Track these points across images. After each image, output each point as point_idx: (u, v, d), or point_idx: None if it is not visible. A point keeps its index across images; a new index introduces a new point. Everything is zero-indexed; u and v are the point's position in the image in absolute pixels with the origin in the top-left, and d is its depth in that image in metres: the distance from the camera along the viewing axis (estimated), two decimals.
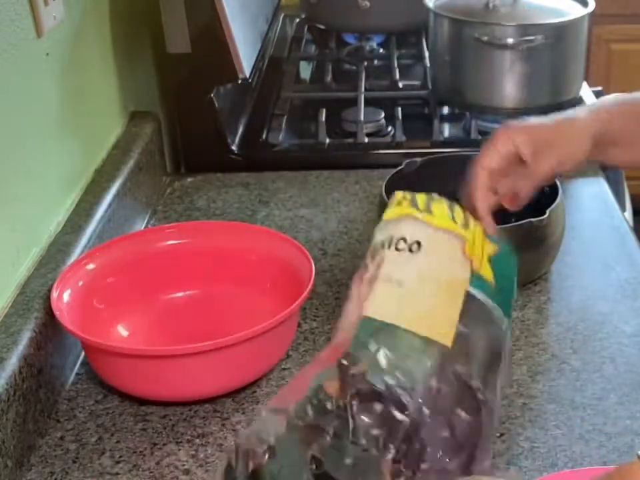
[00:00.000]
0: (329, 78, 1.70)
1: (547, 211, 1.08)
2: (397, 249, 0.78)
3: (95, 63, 1.25)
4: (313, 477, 0.69)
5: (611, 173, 1.41)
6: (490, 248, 0.81)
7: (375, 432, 0.70)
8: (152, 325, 1.04)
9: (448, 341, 0.73)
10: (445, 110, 1.59)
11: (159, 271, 1.06)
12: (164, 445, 0.90)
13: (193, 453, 0.89)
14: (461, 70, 1.47)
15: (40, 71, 1.06)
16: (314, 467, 0.69)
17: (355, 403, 0.71)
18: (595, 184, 1.36)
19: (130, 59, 1.38)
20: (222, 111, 1.42)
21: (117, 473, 0.87)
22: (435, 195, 0.82)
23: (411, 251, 0.78)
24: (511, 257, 0.83)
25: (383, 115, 1.53)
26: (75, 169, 1.16)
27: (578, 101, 1.50)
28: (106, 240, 1.10)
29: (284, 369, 0.99)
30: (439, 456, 0.71)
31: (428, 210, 0.81)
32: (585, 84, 1.52)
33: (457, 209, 0.82)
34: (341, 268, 1.17)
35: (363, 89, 1.59)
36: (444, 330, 0.74)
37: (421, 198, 0.82)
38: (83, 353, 1.01)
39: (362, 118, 1.49)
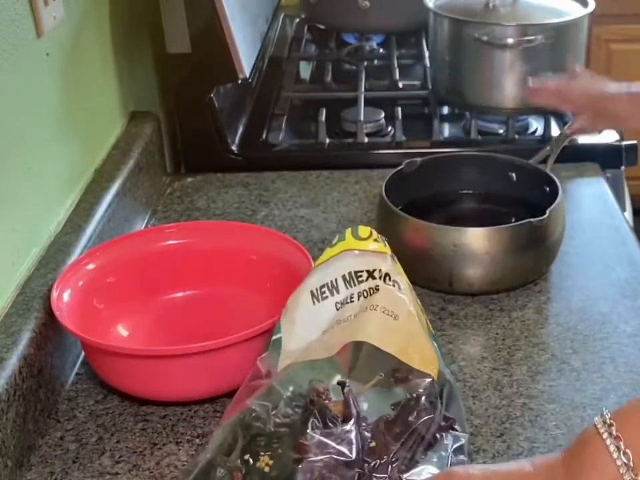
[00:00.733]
0: (329, 78, 1.70)
1: (547, 211, 1.08)
2: (386, 283, 0.84)
3: (95, 63, 1.25)
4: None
5: (610, 172, 1.41)
6: None
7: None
8: (152, 325, 1.04)
9: (435, 372, 0.81)
10: (445, 110, 1.59)
11: (158, 270, 1.06)
12: (164, 444, 0.90)
13: (193, 453, 0.89)
14: (461, 70, 1.47)
15: (40, 70, 1.06)
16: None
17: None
18: (595, 184, 1.36)
19: (130, 59, 1.38)
20: (222, 111, 1.42)
21: (117, 473, 0.87)
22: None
23: (398, 287, 0.84)
24: None
25: (382, 114, 1.53)
26: (74, 169, 1.16)
27: None
28: (106, 240, 1.10)
29: None
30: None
31: (393, 257, 0.87)
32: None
33: None
34: None
35: (362, 89, 1.59)
36: (433, 366, 0.81)
37: (387, 241, 0.88)
38: (82, 353, 1.01)
39: (362, 118, 1.49)
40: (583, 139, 1.43)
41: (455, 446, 0.77)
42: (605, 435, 0.68)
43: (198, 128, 1.43)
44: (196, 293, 1.08)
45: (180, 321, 1.05)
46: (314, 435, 0.73)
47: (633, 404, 0.71)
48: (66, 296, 0.96)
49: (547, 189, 1.16)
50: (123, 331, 1.02)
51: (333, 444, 0.73)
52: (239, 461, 0.75)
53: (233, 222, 1.25)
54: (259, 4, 1.62)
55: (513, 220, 1.15)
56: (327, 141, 1.47)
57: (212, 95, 1.39)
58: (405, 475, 0.73)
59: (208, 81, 1.39)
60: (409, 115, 1.54)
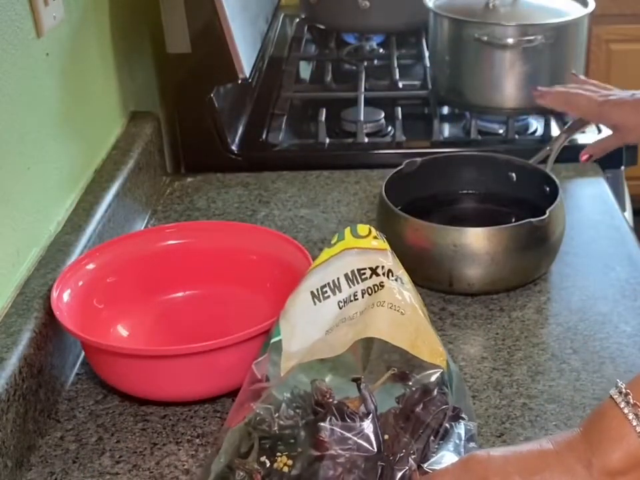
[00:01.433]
0: (328, 78, 1.70)
1: (547, 211, 1.08)
2: (389, 278, 0.84)
3: (95, 63, 1.25)
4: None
5: (610, 172, 1.41)
6: None
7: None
8: (152, 325, 1.04)
9: (443, 363, 0.81)
10: (445, 110, 1.59)
11: (158, 270, 1.06)
12: (164, 445, 0.90)
13: (193, 452, 0.89)
14: (461, 70, 1.47)
15: (40, 70, 1.06)
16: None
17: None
18: (595, 184, 1.36)
19: (130, 59, 1.38)
20: (222, 111, 1.42)
21: (117, 473, 0.87)
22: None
23: (401, 283, 0.84)
24: None
25: (382, 115, 1.53)
26: (74, 169, 1.16)
27: None
28: (106, 240, 1.10)
29: None
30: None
31: (392, 253, 0.87)
32: None
33: None
34: None
35: (362, 89, 1.59)
36: (442, 357, 0.81)
37: (384, 237, 0.88)
38: (82, 353, 1.01)
39: (362, 118, 1.49)
40: (583, 139, 1.43)
41: (467, 435, 0.77)
42: (623, 405, 0.69)
43: (198, 128, 1.43)
44: (196, 293, 1.08)
45: (180, 321, 1.05)
46: (334, 431, 0.73)
47: None
48: (66, 296, 0.96)
49: (547, 189, 1.16)
50: (122, 330, 1.02)
51: (354, 439, 0.73)
52: (256, 463, 0.75)
53: (233, 222, 1.25)
54: (259, 4, 1.62)
55: (513, 220, 1.15)
56: (327, 140, 1.47)
57: (212, 95, 1.39)
58: (425, 465, 0.74)
59: (208, 81, 1.39)
60: (409, 115, 1.54)
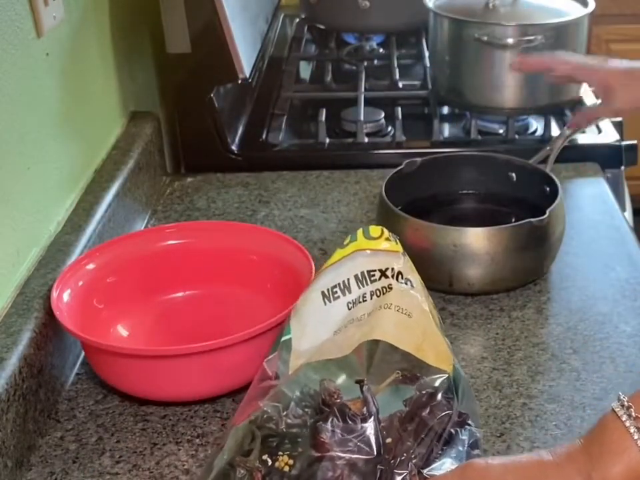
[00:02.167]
0: (328, 78, 1.70)
1: (547, 211, 1.08)
2: (398, 281, 0.84)
3: (95, 63, 1.25)
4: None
5: (610, 172, 1.41)
6: None
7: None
8: (152, 325, 1.04)
9: (449, 367, 0.81)
10: (445, 110, 1.59)
11: (158, 271, 1.06)
12: (164, 444, 0.90)
13: (193, 452, 0.89)
14: (461, 70, 1.47)
15: (40, 70, 1.06)
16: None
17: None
18: (595, 184, 1.36)
19: (130, 58, 1.38)
20: (222, 111, 1.42)
21: (117, 473, 0.87)
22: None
23: (410, 286, 0.85)
24: None
25: (382, 115, 1.53)
26: (74, 169, 1.16)
27: (578, 101, 1.50)
28: (106, 240, 1.10)
29: None
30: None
31: (405, 253, 0.87)
32: (585, 84, 1.52)
33: None
34: None
35: (362, 89, 1.59)
36: (449, 362, 0.81)
37: (398, 239, 0.89)
38: (82, 353, 1.01)
39: (362, 118, 1.49)
40: (583, 139, 1.43)
41: (471, 441, 0.77)
42: (625, 418, 0.68)
43: (198, 128, 1.43)
44: (196, 293, 1.08)
45: (180, 321, 1.05)
46: (334, 432, 0.73)
47: None
48: (66, 296, 0.96)
49: (547, 189, 1.16)
50: (122, 330, 1.02)
51: (354, 441, 0.73)
52: (257, 461, 0.75)
53: (233, 222, 1.25)
54: (259, 4, 1.62)
55: (513, 220, 1.15)
56: (327, 140, 1.47)
57: (212, 95, 1.39)
58: (425, 470, 0.74)
59: (208, 81, 1.39)
60: (409, 115, 1.54)
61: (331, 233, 1.25)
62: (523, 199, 1.20)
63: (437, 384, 0.79)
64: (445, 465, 0.74)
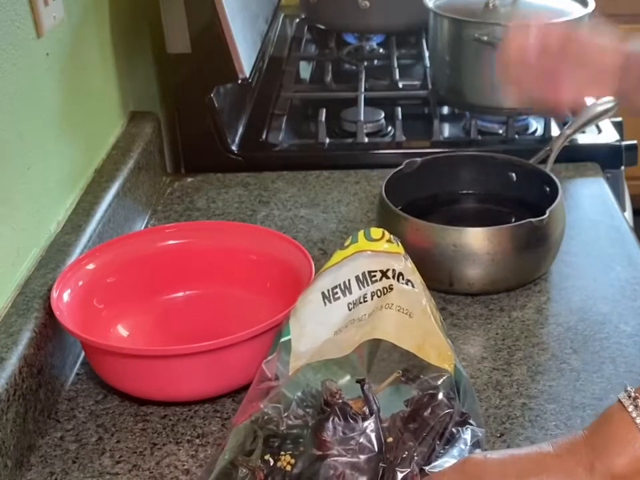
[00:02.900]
0: (328, 78, 1.70)
1: (547, 211, 1.08)
2: (399, 281, 0.84)
3: (95, 63, 1.25)
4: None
5: (610, 172, 1.41)
6: None
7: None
8: (152, 325, 1.04)
9: (451, 367, 0.81)
10: (445, 110, 1.59)
11: (158, 271, 1.06)
12: (164, 444, 0.90)
13: (193, 453, 0.89)
14: (461, 70, 1.47)
15: (40, 70, 1.06)
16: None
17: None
18: (595, 184, 1.36)
19: (130, 58, 1.38)
20: (222, 111, 1.42)
21: (117, 473, 0.87)
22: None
23: (411, 286, 0.84)
24: None
25: (382, 115, 1.53)
26: (74, 169, 1.16)
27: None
28: (106, 240, 1.10)
29: None
30: None
31: (407, 257, 0.87)
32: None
33: None
34: None
35: (362, 89, 1.59)
36: (450, 361, 0.81)
37: (400, 241, 0.89)
38: (82, 353, 1.01)
39: (362, 118, 1.49)
40: (583, 139, 1.43)
41: (473, 441, 0.77)
42: (631, 409, 0.68)
43: (198, 128, 1.43)
44: (196, 293, 1.08)
45: (180, 321, 1.05)
46: (336, 431, 0.73)
47: None
48: (66, 296, 0.96)
49: (547, 189, 1.16)
50: (123, 331, 1.02)
51: (356, 439, 0.74)
52: (259, 461, 0.75)
53: (232, 222, 1.25)
54: (259, 4, 1.62)
55: (513, 220, 1.15)
56: (327, 140, 1.47)
57: (212, 95, 1.39)
58: (427, 468, 0.74)
59: (208, 81, 1.39)
60: (409, 115, 1.54)
61: (331, 233, 1.25)
62: (522, 198, 1.20)
63: (438, 383, 0.79)
64: (447, 463, 0.74)
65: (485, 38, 1.40)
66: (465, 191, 1.25)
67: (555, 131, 1.47)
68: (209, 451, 0.88)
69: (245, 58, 1.37)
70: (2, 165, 0.95)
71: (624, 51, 0.93)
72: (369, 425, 0.74)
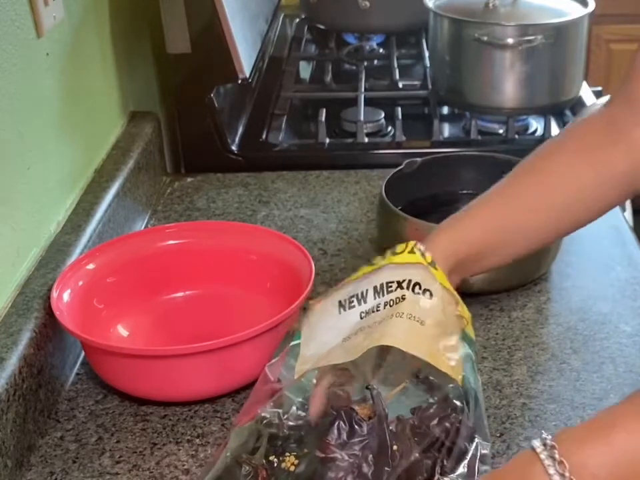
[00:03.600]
0: (328, 78, 1.70)
1: None
2: (414, 292, 0.83)
3: (95, 63, 1.25)
4: None
5: None
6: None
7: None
8: (152, 325, 1.04)
9: (459, 379, 0.79)
10: (445, 110, 1.59)
11: (159, 271, 1.06)
12: (164, 445, 0.90)
13: (193, 452, 0.89)
14: (461, 70, 1.47)
15: (40, 70, 1.06)
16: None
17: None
18: None
19: (130, 58, 1.38)
20: (222, 111, 1.42)
21: (117, 473, 0.87)
22: None
23: (424, 296, 0.84)
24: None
25: (382, 115, 1.53)
26: (74, 168, 1.16)
27: (578, 101, 1.50)
28: (106, 240, 1.10)
29: None
30: None
31: (434, 266, 0.86)
32: (584, 84, 1.52)
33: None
34: (341, 268, 1.17)
35: (362, 89, 1.59)
36: (458, 373, 0.80)
37: (427, 257, 0.87)
38: (82, 353, 1.01)
39: (362, 118, 1.49)
40: None
41: (479, 455, 0.76)
42: (547, 462, 0.63)
43: (198, 128, 1.43)
44: (196, 293, 1.08)
45: (180, 321, 1.05)
46: (340, 435, 0.74)
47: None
48: (66, 296, 0.96)
49: None
50: (123, 331, 1.02)
51: (360, 444, 0.73)
52: (263, 460, 0.75)
53: (232, 222, 1.25)
54: (259, 4, 1.62)
55: None
56: (327, 140, 1.47)
57: (212, 95, 1.39)
58: None
59: (208, 81, 1.39)
60: (409, 115, 1.54)
61: (331, 233, 1.25)
62: None
63: (444, 392, 0.79)
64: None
65: (485, 38, 1.40)
66: (464, 191, 1.25)
67: (555, 130, 1.47)
68: (209, 450, 0.88)
69: (245, 58, 1.37)
70: (2, 164, 0.95)
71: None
72: (374, 431, 0.74)
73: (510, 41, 1.39)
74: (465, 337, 0.83)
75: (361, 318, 0.84)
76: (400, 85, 1.66)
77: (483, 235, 0.87)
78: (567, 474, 0.61)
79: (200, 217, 1.30)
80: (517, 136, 1.47)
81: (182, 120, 1.45)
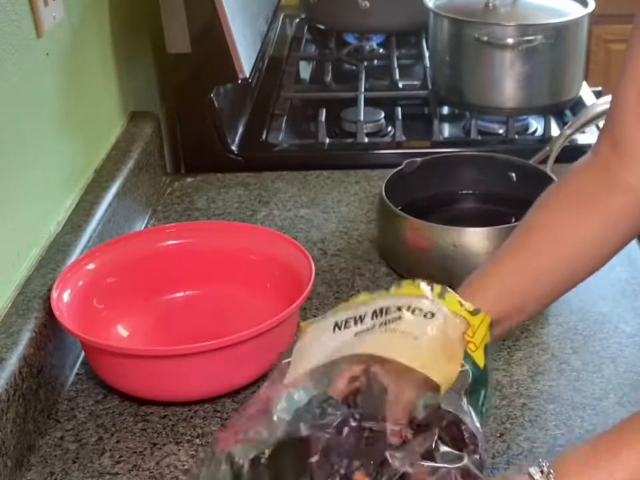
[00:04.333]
0: (328, 78, 1.70)
1: None
2: (412, 313, 0.82)
3: (95, 63, 1.25)
4: None
5: None
6: (488, 339, 0.85)
7: None
8: (152, 325, 1.04)
9: (444, 390, 0.76)
10: (445, 110, 1.59)
11: (159, 270, 1.06)
12: (164, 445, 0.90)
13: (193, 453, 0.89)
14: (461, 70, 1.47)
15: (40, 70, 1.06)
16: None
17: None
18: None
19: (130, 59, 1.38)
20: (222, 111, 1.42)
21: (117, 473, 0.87)
22: (449, 288, 0.85)
23: (425, 317, 0.82)
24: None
25: (382, 115, 1.53)
26: (75, 169, 1.16)
27: (578, 101, 1.50)
28: (106, 240, 1.10)
29: None
30: None
31: (442, 297, 0.84)
32: (584, 84, 1.52)
33: (468, 304, 0.85)
34: (341, 268, 1.17)
35: (362, 89, 1.59)
36: (446, 382, 0.77)
37: (436, 287, 0.85)
38: (82, 353, 1.01)
39: (362, 118, 1.49)
40: (583, 139, 1.43)
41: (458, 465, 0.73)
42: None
43: (198, 128, 1.43)
44: (196, 293, 1.08)
45: (180, 321, 1.05)
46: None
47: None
48: (66, 296, 0.96)
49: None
50: (122, 331, 1.02)
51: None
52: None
53: (233, 222, 1.25)
54: (259, 4, 1.62)
55: (513, 220, 1.15)
56: (327, 140, 1.47)
57: (212, 95, 1.39)
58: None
59: (208, 81, 1.39)
60: (409, 115, 1.54)
61: (331, 233, 1.25)
62: (523, 198, 1.19)
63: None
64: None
65: (485, 38, 1.40)
66: (464, 191, 1.25)
67: (555, 131, 1.47)
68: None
69: (245, 58, 1.37)
70: (2, 164, 0.95)
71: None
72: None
73: (510, 41, 1.39)
74: (469, 362, 0.81)
75: (354, 336, 0.83)
76: (400, 85, 1.66)
77: (499, 303, 0.85)
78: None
79: (200, 217, 1.30)
80: (516, 136, 1.47)
81: (182, 120, 1.45)
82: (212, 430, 0.91)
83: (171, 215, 1.32)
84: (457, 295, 0.85)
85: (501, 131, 1.50)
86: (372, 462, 0.73)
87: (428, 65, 1.68)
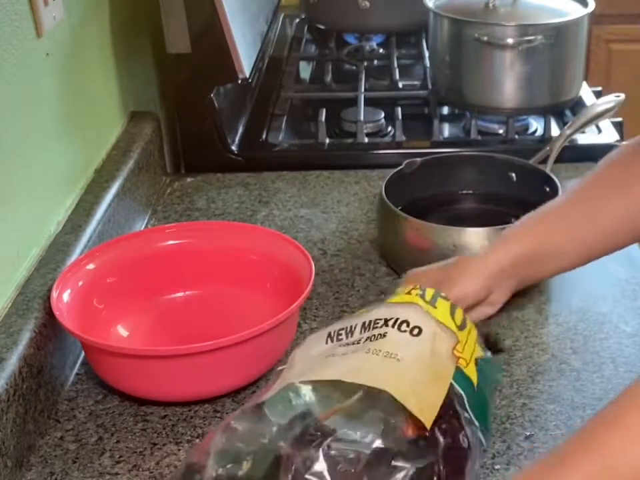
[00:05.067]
0: (328, 78, 1.70)
1: None
2: (399, 330, 0.82)
3: (95, 63, 1.25)
4: None
5: None
6: (478, 352, 0.86)
7: None
8: (152, 325, 1.04)
9: (428, 423, 0.75)
10: (445, 110, 1.59)
11: (158, 270, 1.06)
12: (164, 445, 0.90)
13: None
14: (461, 70, 1.47)
15: (40, 71, 1.06)
16: None
17: None
18: None
19: (130, 58, 1.38)
20: (222, 111, 1.42)
21: (117, 473, 0.87)
22: (442, 293, 0.87)
23: (412, 334, 0.82)
24: (495, 367, 0.90)
25: (382, 115, 1.53)
26: (75, 169, 1.16)
27: (578, 101, 1.50)
28: (106, 240, 1.10)
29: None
30: None
31: (433, 304, 0.85)
32: (584, 84, 1.52)
33: (458, 311, 0.86)
34: (341, 268, 1.17)
35: (362, 89, 1.59)
36: (428, 413, 0.76)
37: (429, 292, 0.86)
38: (82, 353, 1.01)
39: (362, 118, 1.49)
40: (583, 139, 1.43)
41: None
42: None
43: (198, 128, 1.43)
44: (196, 293, 1.08)
45: (180, 321, 1.05)
46: None
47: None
48: (66, 296, 0.96)
49: (547, 188, 1.16)
50: (123, 331, 1.02)
51: None
52: None
53: (233, 222, 1.25)
54: (259, 4, 1.62)
55: (513, 220, 1.14)
56: (327, 141, 1.47)
57: (212, 95, 1.39)
58: None
59: (208, 81, 1.39)
60: (409, 115, 1.54)
61: (331, 233, 1.25)
62: (523, 198, 1.20)
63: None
64: None
65: (485, 38, 1.40)
66: (464, 191, 1.25)
67: (555, 130, 1.47)
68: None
69: (245, 58, 1.37)
70: (2, 164, 0.95)
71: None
72: None
73: (510, 41, 1.39)
74: (459, 379, 0.80)
75: (337, 356, 0.82)
76: (400, 85, 1.66)
77: (535, 243, 0.94)
78: None
79: (200, 217, 1.30)
80: (516, 136, 1.47)
81: (182, 120, 1.45)
82: (212, 430, 0.91)
83: (171, 215, 1.32)
84: (449, 302, 0.86)
85: (500, 131, 1.49)
86: None
87: (428, 64, 1.68)
